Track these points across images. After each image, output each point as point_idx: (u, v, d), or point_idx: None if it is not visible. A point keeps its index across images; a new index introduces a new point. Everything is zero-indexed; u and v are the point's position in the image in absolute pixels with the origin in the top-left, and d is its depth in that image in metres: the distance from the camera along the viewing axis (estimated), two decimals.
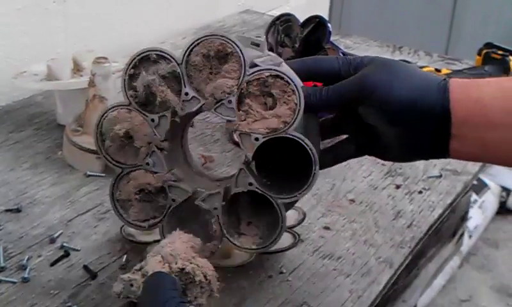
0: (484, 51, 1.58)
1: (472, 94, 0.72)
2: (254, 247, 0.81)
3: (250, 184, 0.79)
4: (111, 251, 0.93)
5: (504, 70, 1.50)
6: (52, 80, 1.24)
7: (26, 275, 0.87)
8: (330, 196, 1.10)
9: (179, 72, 0.79)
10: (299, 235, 0.94)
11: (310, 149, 0.76)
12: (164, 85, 0.80)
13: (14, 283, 0.86)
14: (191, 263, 0.71)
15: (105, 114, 0.83)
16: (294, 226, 0.96)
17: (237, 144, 1.17)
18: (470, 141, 0.73)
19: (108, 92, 1.12)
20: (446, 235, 1.47)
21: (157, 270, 0.69)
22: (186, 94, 0.79)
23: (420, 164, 1.21)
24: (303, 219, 0.98)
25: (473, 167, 1.22)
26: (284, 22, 1.25)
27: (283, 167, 0.82)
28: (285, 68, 0.79)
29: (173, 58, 0.79)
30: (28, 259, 0.90)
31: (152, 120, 0.81)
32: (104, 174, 1.11)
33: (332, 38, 1.24)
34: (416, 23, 2.99)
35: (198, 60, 0.78)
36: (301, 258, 0.94)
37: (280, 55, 0.94)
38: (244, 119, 0.78)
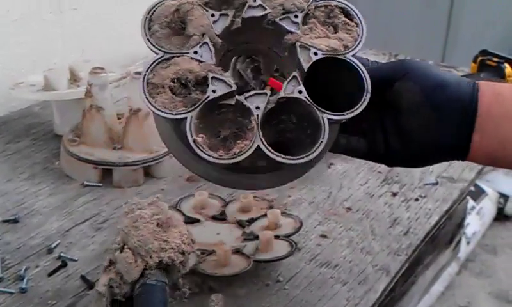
0: (480, 58, 1.59)
1: (495, 89, 0.75)
2: (288, 157, 0.74)
3: (300, 92, 0.75)
4: None
5: (499, 77, 1.51)
6: (49, 91, 1.24)
7: (24, 286, 0.87)
8: (327, 204, 1.10)
9: None
10: (296, 243, 0.94)
11: (365, 76, 0.75)
12: None
13: (12, 293, 0.86)
14: (165, 251, 0.71)
15: (162, 2, 0.79)
16: (291, 235, 0.96)
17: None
18: (490, 136, 0.74)
19: (105, 102, 1.12)
20: (443, 242, 1.47)
21: (142, 283, 0.70)
22: (254, 0, 0.78)
23: (417, 171, 1.22)
24: (299, 227, 0.98)
25: (469, 174, 1.23)
26: None
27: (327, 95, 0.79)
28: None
29: None
30: (26, 269, 0.90)
31: (212, 15, 0.78)
32: (101, 184, 1.11)
33: None
34: (413, 31, 3.00)
35: None
36: (298, 266, 0.94)
37: None
38: (307, 34, 0.78)
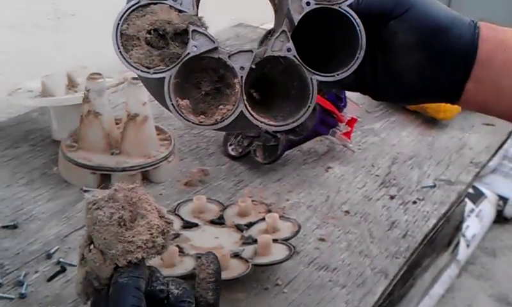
0: None
1: (499, 36, 0.72)
2: (272, 123, 0.71)
3: (289, 50, 0.70)
4: None
5: None
6: (47, 97, 1.24)
7: (23, 291, 0.87)
8: (325, 207, 1.10)
9: None
10: (294, 247, 0.94)
11: (360, 30, 0.70)
12: None
13: (11, 299, 0.87)
14: (132, 252, 0.66)
15: None
16: (290, 238, 0.96)
17: (231, 157, 1.17)
18: (486, 85, 0.71)
19: (103, 107, 1.12)
20: (441, 244, 1.47)
21: (113, 280, 0.66)
22: None
23: (414, 174, 1.22)
24: (298, 231, 0.98)
25: (466, 176, 1.23)
26: None
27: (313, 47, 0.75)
28: None
29: None
30: (25, 275, 0.91)
31: None
32: (99, 190, 1.11)
33: None
34: None
35: None
36: (296, 270, 0.94)
37: None
38: None
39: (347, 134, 1.26)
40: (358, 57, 0.70)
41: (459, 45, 0.71)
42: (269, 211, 1.03)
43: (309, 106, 0.70)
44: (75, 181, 1.13)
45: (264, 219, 0.99)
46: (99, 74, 1.13)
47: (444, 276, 1.71)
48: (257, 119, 0.70)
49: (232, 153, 1.22)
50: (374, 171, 1.23)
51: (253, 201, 1.04)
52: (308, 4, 0.70)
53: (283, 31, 0.71)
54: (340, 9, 0.71)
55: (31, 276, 0.91)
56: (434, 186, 1.19)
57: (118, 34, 0.69)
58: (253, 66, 0.70)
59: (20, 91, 1.29)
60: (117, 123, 1.17)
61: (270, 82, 0.74)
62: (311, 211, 1.09)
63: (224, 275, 0.88)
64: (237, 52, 0.70)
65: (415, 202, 1.14)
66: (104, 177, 1.12)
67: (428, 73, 0.72)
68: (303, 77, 0.71)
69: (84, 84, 1.14)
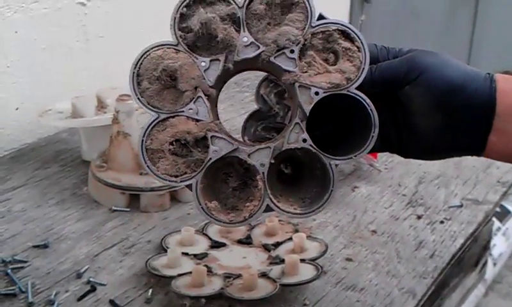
0: None
1: None
2: (297, 211, 0.75)
3: (304, 140, 0.73)
4: (137, 285, 0.94)
5: None
6: (77, 118, 1.26)
7: None
8: (352, 227, 1.11)
9: (239, 16, 0.74)
10: (321, 266, 0.94)
11: (371, 110, 0.72)
12: (226, 24, 0.74)
13: None
14: None
15: (148, 52, 0.75)
16: (317, 258, 0.97)
17: None
18: (509, 137, 0.72)
19: (132, 128, 1.14)
20: (469, 264, 1.46)
21: None
22: (245, 39, 0.74)
23: (441, 193, 1.22)
24: (325, 251, 0.98)
25: (494, 196, 1.23)
26: None
27: (321, 133, 0.77)
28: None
29: (234, 1, 0.75)
30: (56, 294, 0.92)
31: (203, 63, 0.74)
32: (128, 209, 1.13)
33: None
34: None
35: (260, 8, 0.74)
36: (324, 290, 0.94)
37: None
38: (306, 72, 0.74)
39: (374, 154, 1.27)
40: (372, 136, 0.73)
41: (477, 101, 0.71)
42: (296, 231, 1.04)
43: (331, 190, 0.74)
44: (104, 201, 1.15)
45: (291, 238, 1.00)
46: (128, 95, 1.15)
47: (471, 296, 1.69)
48: (283, 211, 0.74)
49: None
50: (401, 190, 1.23)
51: (280, 220, 1.05)
52: (316, 93, 0.73)
53: (297, 123, 0.74)
54: (349, 93, 0.73)
55: (61, 295, 0.92)
56: (462, 206, 1.19)
57: (144, 149, 0.75)
58: (273, 161, 0.74)
59: (50, 112, 1.31)
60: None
61: (298, 161, 0.77)
62: (338, 231, 1.09)
63: (252, 295, 0.89)
64: (256, 150, 0.74)
65: (442, 222, 1.13)
66: (133, 197, 1.13)
67: (448, 131, 0.73)
68: (322, 162, 0.74)
69: (114, 105, 1.16)
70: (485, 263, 1.64)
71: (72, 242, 1.05)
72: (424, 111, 0.73)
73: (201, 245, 1.00)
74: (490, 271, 2.32)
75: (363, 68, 0.73)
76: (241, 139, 0.79)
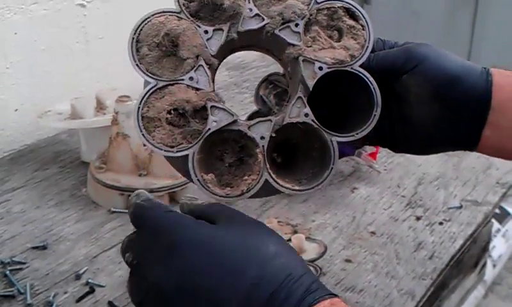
0: None
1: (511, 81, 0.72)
2: (296, 187, 0.72)
3: (306, 115, 0.71)
4: None
5: None
6: (76, 119, 1.26)
7: None
8: (351, 228, 1.10)
9: None
10: (320, 268, 0.94)
11: (374, 88, 0.71)
12: None
13: None
14: None
15: (149, 19, 0.72)
16: (316, 259, 0.97)
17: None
18: (502, 131, 0.72)
19: (131, 129, 1.14)
20: (468, 265, 1.46)
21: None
22: (250, 10, 0.72)
23: (440, 195, 1.22)
24: (324, 252, 0.98)
25: (493, 197, 1.23)
26: None
27: (317, 116, 0.74)
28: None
29: None
30: (54, 295, 0.92)
31: (206, 32, 0.72)
32: (127, 211, 1.12)
33: None
34: None
35: None
36: None
37: None
38: (310, 46, 0.73)
39: (373, 155, 1.27)
40: (375, 114, 0.71)
41: (473, 94, 0.71)
42: (295, 232, 1.04)
43: (332, 167, 0.71)
44: (103, 202, 1.15)
45: (290, 239, 1.00)
46: (127, 96, 1.15)
47: (471, 297, 1.70)
48: (282, 186, 0.71)
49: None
50: (400, 191, 1.23)
51: (279, 222, 1.05)
52: (320, 68, 0.72)
53: (299, 97, 0.72)
54: (352, 70, 0.72)
55: (60, 297, 0.92)
56: (461, 207, 1.19)
57: (139, 117, 0.70)
58: (273, 135, 0.72)
59: (49, 114, 1.31)
60: (145, 145, 1.18)
61: (291, 146, 0.75)
62: (337, 232, 1.09)
63: None
64: (256, 123, 0.71)
65: (441, 223, 1.13)
66: None
67: (444, 123, 0.73)
68: (322, 139, 0.72)
69: (113, 106, 1.16)
70: (484, 265, 1.64)
71: (71, 243, 1.05)
72: (420, 101, 0.73)
73: None
74: (490, 273, 2.32)
75: (367, 46, 0.73)
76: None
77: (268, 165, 0.71)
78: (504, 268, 2.57)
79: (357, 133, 0.71)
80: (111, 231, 1.08)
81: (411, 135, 0.75)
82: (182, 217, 0.65)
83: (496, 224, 2.47)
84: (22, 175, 1.25)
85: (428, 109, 0.73)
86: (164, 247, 0.62)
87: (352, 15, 0.74)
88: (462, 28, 3.19)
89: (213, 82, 0.74)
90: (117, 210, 1.13)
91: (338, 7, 0.73)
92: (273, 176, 0.71)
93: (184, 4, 0.72)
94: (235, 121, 0.71)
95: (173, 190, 1.14)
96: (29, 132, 1.42)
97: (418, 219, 1.15)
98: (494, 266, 2.45)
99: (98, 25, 1.54)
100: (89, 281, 0.95)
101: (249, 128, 0.71)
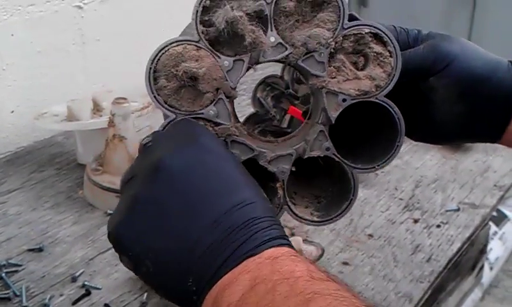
0: None
1: None
2: (315, 219, 0.73)
3: (327, 149, 0.70)
4: (132, 289, 0.93)
5: None
6: (73, 121, 1.26)
7: None
8: (348, 231, 1.10)
9: (266, 13, 0.68)
10: None
11: (398, 118, 0.69)
12: (253, 23, 0.67)
13: None
14: None
15: (166, 48, 0.67)
16: (313, 262, 0.96)
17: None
18: None
19: (128, 131, 1.14)
20: (465, 268, 1.46)
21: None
22: (272, 39, 0.68)
23: (438, 197, 1.22)
24: (321, 255, 0.98)
25: (491, 200, 1.22)
26: None
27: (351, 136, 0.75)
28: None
29: None
30: (50, 298, 0.91)
31: (225, 63, 0.68)
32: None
33: None
34: None
35: (290, 5, 0.68)
36: None
37: (296, 92, 0.92)
38: (334, 77, 0.69)
39: None
40: (397, 145, 0.70)
41: (499, 91, 0.71)
42: (293, 234, 1.03)
43: (351, 199, 0.72)
44: (100, 204, 1.14)
45: None
46: (124, 98, 1.15)
47: (468, 300, 1.69)
48: (301, 218, 0.72)
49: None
50: (398, 194, 1.23)
51: None
52: (344, 100, 0.69)
53: (322, 131, 0.70)
54: (377, 101, 0.70)
55: (56, 299, 0.92)
56: (458, 209, 1.18)
57: None
58: (293, 169, 0.71)
59: (46, 115, 1.31)
60: None
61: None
62: (334, 234, 1.09)
63: None
64: (277, 157, 0.71)
65: (438, 226, 1.13)
66: None
67: (469, 121, 0.73)
68: (343, 170, 0.71)
69: (109, 108, 1.16)
70: (482, 267, 1.64)
71: (67, 245, 1.04)
72: (447, 101, 0.72)
73: None
74: (487, 275, 2.32)
75: (394, 75, 0.69)
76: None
77: (288, 199, 0.71)
78: (501, 271, 2.57)
79: (378, 165, 0.71)
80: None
81: (435, 131, 0.75)
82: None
83: (493, 227, 2.47)
84: (18, 177, 1.25)
85: (454, 108, 0.73)
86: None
87: (380, 40, 0.70)
88: (460, 30, 3.19)
89: (234, 113, 0.71)
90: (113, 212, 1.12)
91: (366, 33, 0.69)
92: (292, 208, 0.72)
93: (202, 32, 0.67)
94: (255, 155, 0.70)
95: None
96: (25, 133, 1.42)
97: (415, 221, 1.14)
98: (491, 268, 2.45)
99: (95, 27, 1.53)
100: (86, 283, 0.94)
101: (269, 162, 0.70)
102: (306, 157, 0.71)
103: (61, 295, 0.93)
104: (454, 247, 1.08)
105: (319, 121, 0.70)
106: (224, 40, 0.68)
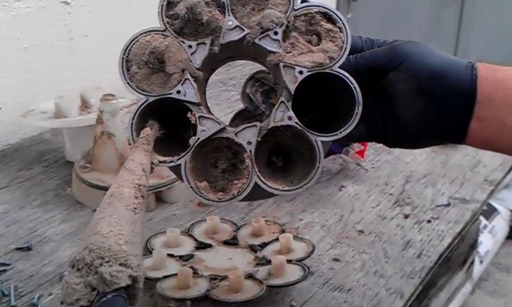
0: None
1: (498, 75, 0.73)
2: (286, 188, 0.75)
3: (290, 118, 0.74)
4: None
5: None
6: (60, 118, 1.25)
7: None
8: (339, 227, 1.10)
9: (223, 1, 0.76)
10: (308, 267, 0.94)
11: (354, 87, 0.74)
12: (211, 5, 0.76)
13: None
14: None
15: (136, 38, 0.77)
16: (304, 259, 0.96)
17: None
18: (489, 124, 0.73)
19: (116, 128, 1.13)
20: (456, 263, 1.46)
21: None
22: (230, 22, 0.76)
23: (428, 192, 1.21)
24: (312, 251, 0.97)
25: (481, 195, 1.22)
26: None
27: (310, 120, 0.79)
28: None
29: None
30: (39, 297, 0.91)
31: (190, 46, 0.76)
32: None
33: None
34: None
35: None
36: (311, 291, 0.94)
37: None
38: (289, 52, 0.75)
39: (361, 153, 1.26)
40: (356, 112, 0.74)
41: (457, 88, 0.73)
42: (283, 231, 1.03)
43: (318, 166, 0.75)
44: (88, 202, 1.13)
45: (277, 239, 0.99)
46: (112, 95, 1.14)
47: (458, 294, 1.70)
48: (272, 187, 0.75)
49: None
50: (388, 189, 1.22)
51: (266, 221, 1.04)
52: (301, 72, 0.74)
53: (282, 102, 0.75)
54: (332, 72, 0.74)
55: (45, 298, 0.91)
56: (449, 204, 1.18)
57: (134, 130, 0.76)
58: (259, 139, 0.75)
59: (33, 113, 1.30)
60: (130, 144, 1.17)
61: (287, 148, 0.78)
62: (325, 231, 1.09)
63: (239, 297, 0.88)
64: (243, 129, 0.75)
65: (429, 221, 1.13)
66: None
67: (431, 117, 0.75)
68: (308, 140, 0.75)
69: (98, 105, 1.15)
70: (472, 262, 1.65)
71: (56, 244, 1.03)
72: (406, 97, 0.75)
73: (187, 246, 0.99)
74: (477, 269, 2.33)
75: (345, 48, 0.75)
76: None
77: (257, 169, 0.74)
78: (491, 264, 2.58)
79: (340, 132, 0.74)
80: None
81: (402, 130, 0.77)
82: None
83: (483, 221, 2.48)
84: (5, 175, 1.24)
85: (414, 104, 0.75)
86: None
87: (329, 19, 0.76)
88: (448, 26, 3.20)
89: (204, 93, 0.79)
90: None
91: (315, 12, 0.76)
92: (262, 178, 0.74)
93: (168, 23, 0.77)
94: (222, 129, 0.75)
95: (159, 189, 1.13)
96: (13, 131, 1.41)
97: (406, 217, 1.14)
98: (481, 262, 2.46)
99: (83, 23, 1.52)
100: None
101: (236, 134, 0.75)
102: (270, 127, 0.75)
103: (50, 294, 0.92)
104: (445, 243, 1.07)
105: (282, 96, 0.75)
106: (189, 31, 0.76)
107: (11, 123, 1.40)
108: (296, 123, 0.74)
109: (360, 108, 0.73)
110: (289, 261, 0.94)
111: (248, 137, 0.75)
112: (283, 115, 0.75)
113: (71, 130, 1.26)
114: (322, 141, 0.74)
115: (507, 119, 0.72)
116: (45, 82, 1.46)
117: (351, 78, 0.74)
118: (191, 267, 0.93)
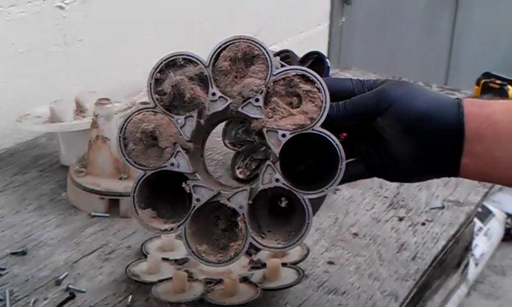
0: (483, 81, 1.60)
1: (484, 110, 0.75)
2: (280, 245, 0.80)
3: (277, 180, 0.78)
4: (117, 292, 0.93)
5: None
6: (55, 122, 1.25)
7: None
8: (333, 230, 1.10)
9: (206, 74, 0.80)
10: (303, 270, 0.94)
11: (336, 144, 0.77)
12: (193, 83, 0.80)
13: None
14: None
15: (130, 118, 0.82)
16: (298, 262, 0.96)
17: (239, 180, 1.18)
18: (480, 158, 0.75)
19: (111, 132, 1.13)
20: (451, 266, 1.47)
21: None
22: (213, 94, 0.80)
23: (423, 195, 1.22)
24: (306, 255, 0.98)
25: (475, 197, 1.23)
26: (283, 58, 1.26)
27: (306, 168, 0.83)
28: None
29: (200, 61, 0.80)
30: (34, 302, 0.91)
31: (178, 121, 0.81)
32: (108, 214, 1.12)
33: (331, 72, 1.25)
34: (415, 55, 3.02)
35: (225, 65, 0.80)
36: (305, 294, 0.94)
37: None
38: (271, 117, 0.78)
39: None
40: (340, 168, 0.77)
41: (444, 127, 0.75)
42: None
43: (308, 223, 0.79)
44: (83, 206, 1.13)
45: None
46: (107, 99, 1.14)
47: (453, 297, 1.70)
48: (265, 246, 0.80)
49: (240, 176, 1.22)
50: (382, 192, 1.23)
51: None
52: (283, 136, 0.78)
53: (269, 165, 0.78)
54: (314, 132, 0.77)
55: (40, 303, 0.91)
56: (443, 207, 1.19)
57: (136, 204, 0.82)
58: (251, 202, 0.80)
59: (28, 117, 1.29)
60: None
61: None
62: (319, 234, 1.09)
63: (234, 300, 0.88)
64: (234, 194, 0.80)
65: (423, 224, 1.13)
66: (113, 202, 1.12)
67: (421, 156, 0.77)
68: (297, 198, 0.78)
69: (93, 109, 1.15)
70: (467, 265, 1.65)
71: (51, 248, 1.03)
72: (395, 139, 0.77)
73: (182, 250, 0.99)
74: (472, 271, 2.34)
75: (325, 107, 0.77)
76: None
77: (251, 230, 0.80)
78: (487, 267, 2.59)
79: (326, 189, 0.78)
80: (92, 236, 1.06)
81: (397, 168, 0.79)
82: None
83: (478, 223, 2.49)
84: (0, 180, 1.24)
85: (404, 145, 0.77)
86: None
87: (307, 80, 0.78)
88: (442, 28, 3.21)
89: (202, 160, 0.85)
90: (97, 214, 1.12)
91: (293, 75, 0.79)
92: (256, 238, 0.80)
93: (157, 99, 0.81)
94: (216, 195, 0.80)
95: None
96: (7, 135, 1.40)
97: (400, 219, 1.15)
98: (476, 265, 2.46)
99: (77, 28, 1.52)
100: (70, 286, 0.93)
101: (228, 199, 0.80)
102: (259, 190, 0.79)
103: (45, 299, 0.92)
104: (439, 245, 1.08)
105: (270, 159, 0.79)
106: (178, 104, 0.81)
107: (6, 128, 1.40)
108: (284, 184, 0.78)
109: (343, 163, 0.77)
110: (284, 265, 0.94)
111: (239, 201, 0.80)
112: (270, 177, 0.78)
113: (66, 134, 1.26)
114: (310, 199, 0.78)
115: (497, 154, 0.74)
116: (39, 87, 1.46)
117: (332, 136, 0.77)
118: (186, 271, 0.93)
